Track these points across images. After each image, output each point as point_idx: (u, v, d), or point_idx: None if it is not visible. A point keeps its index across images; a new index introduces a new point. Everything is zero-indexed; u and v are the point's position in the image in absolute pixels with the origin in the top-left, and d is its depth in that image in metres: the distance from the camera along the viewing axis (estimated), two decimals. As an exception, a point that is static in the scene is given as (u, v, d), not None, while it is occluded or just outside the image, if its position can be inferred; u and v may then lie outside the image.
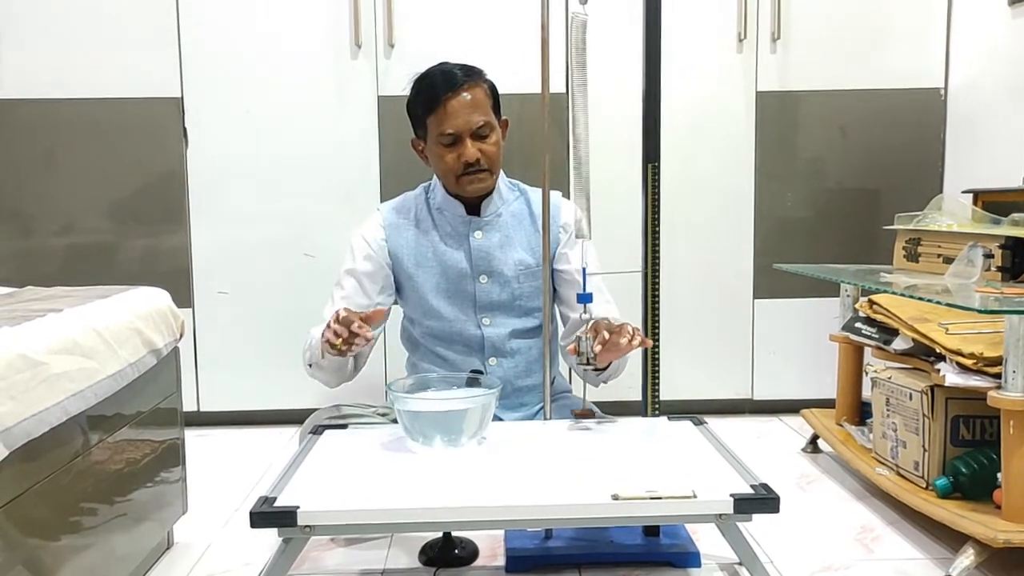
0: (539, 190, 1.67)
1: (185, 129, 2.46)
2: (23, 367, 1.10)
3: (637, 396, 1.63)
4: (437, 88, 1.76)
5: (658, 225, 1.56)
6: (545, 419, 1.63)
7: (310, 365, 1.80)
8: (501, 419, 1.82)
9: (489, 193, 1.85)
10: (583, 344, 1.51)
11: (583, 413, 1.62)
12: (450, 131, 1.75)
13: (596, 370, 1.66)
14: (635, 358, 1.62)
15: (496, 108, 1.83)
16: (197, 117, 2.46)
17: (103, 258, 2.49)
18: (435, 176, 1.88)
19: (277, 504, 1.18)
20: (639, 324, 1.59)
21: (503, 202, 1.87)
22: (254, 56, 2.44)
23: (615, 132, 2.36)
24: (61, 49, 2.42)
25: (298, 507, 1.17)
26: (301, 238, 2.50)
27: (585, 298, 1.53)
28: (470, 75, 1.78)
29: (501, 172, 1.88)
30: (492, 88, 1.83)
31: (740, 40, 2.48)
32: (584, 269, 1.54)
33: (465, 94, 1.76)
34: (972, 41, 2.44)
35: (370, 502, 1.20)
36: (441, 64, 1.80)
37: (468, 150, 1.75)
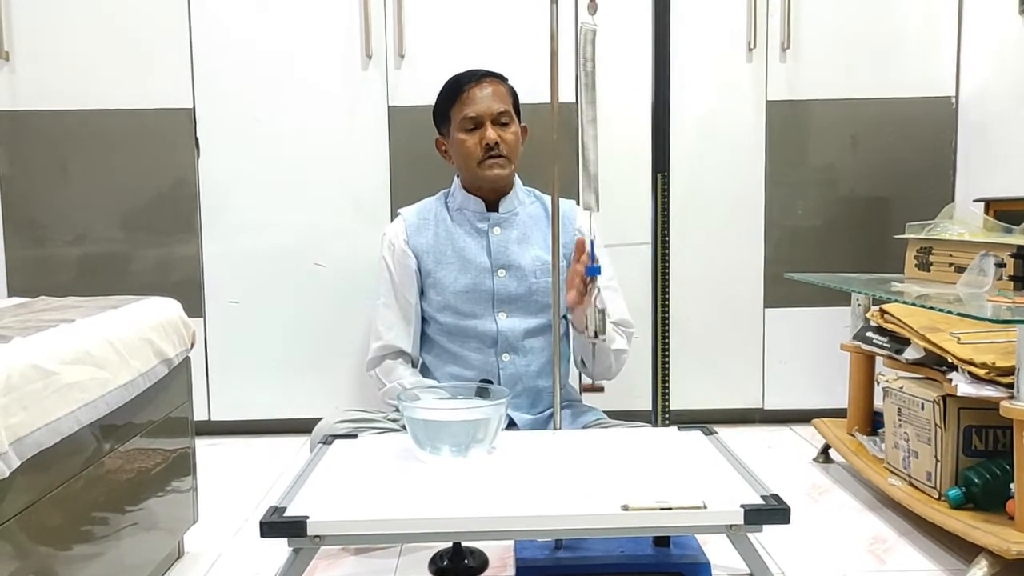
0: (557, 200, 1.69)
1: (197, 140, 2.47)
2: (35, 377, 1.11)
3: (647, 405, 1.63)
4: (461, 80, 1.92)
5: (667, 234, 1.56)
6: (556, 428, 1.63)
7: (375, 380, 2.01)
8: (510, 416, 1.84)
9: (507, 192, 1.91)
10: (591, 317, 1.53)
11: (592, 388, 1.64)
12: (472, 114, 1.88)
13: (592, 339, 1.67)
14: (645, 367, 1.62)
15: (516, 110, 1.95)
16: (209, 128, 2.47)
17: (115, 268, 2.50)
18: (454, 180, 1.96)
19: (287, 514, 1.18)
20: (649, 333, 1.59)
21: (520, 203, 1.96)
22: (265, 67, 2.46)
23: (625, 142, 2.35)
24: (74, 60, 2.44)
25: (308, 517, 1.17)
26: (312, 248, 2.51)
27: (593, 270, 1.54)
28: (492, 74, 1.94)
29: (518, 179, 1.95)
30: (513, 91, 1.97)
31: (750, 49, 2.48)
32: (592, 241, 1.55)
33: (486, 85, 1.91)
34: (983, 49, 2.43)
35: (380, 512, 1.20)
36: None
37: (488, 132, 1.87)
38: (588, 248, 1.55)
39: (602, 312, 1.53)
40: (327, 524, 1.17)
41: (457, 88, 1.90)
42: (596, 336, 1.53)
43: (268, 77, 2.46)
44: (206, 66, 2.45)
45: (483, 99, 1.88)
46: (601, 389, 1.64)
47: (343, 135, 2.48)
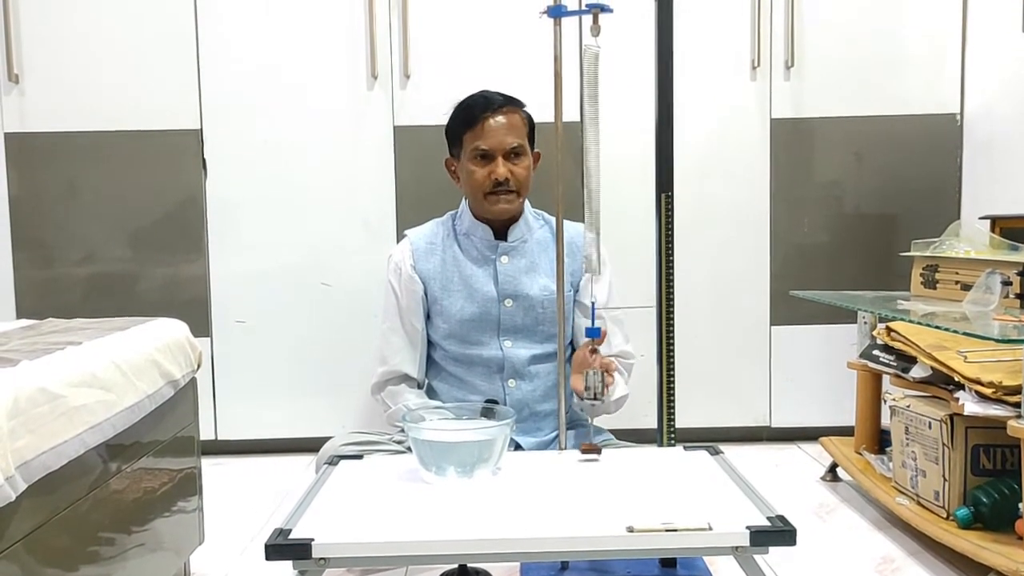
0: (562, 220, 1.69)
1: (204, 160, 2.49)
2: (42, 401, 1.11)
3: (653, 424, 1.63)
4: (477, 107, 1.87)
5: (672, 254, 1.56)
6: (560, 449, 1.62)
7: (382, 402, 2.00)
8: (516, 441, 1.83)
9: (515, 219, 1.89)
10: (591, 379, 1.51)
11: (590, 448, 1.61)
12: (484, 147, 1.84)
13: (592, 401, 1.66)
14: (650, 386, 1.62)
15: (531, 138, 1.92)
16: (216, 148, 2.49)
17: (123, 288, 2.52)
18: (462, 202, 1.96)
19: (292, 536, 1.18)
20: (654, 352, 1.59)
21: (529, 229, 1.93)
22: (272, 88, 2.47)
23: (629, 161, 2.36)
24: (82, 83, 2.46)
25: (313, 539, 1.16)
26: (318, 267, 2.52)
27: (593, 332, 1.53)
28: (510, 101, 1.89)
29: (527, 203, 1.94)
30: (529, 118, 1.92)
31: (754, 68, 2.49)
32: (592, 304, 1.55)
33: (502, 116, 1.86)
34: (987, 66, 2.44)
35: (385, 534, 1.20)
36: (484, 91, 1.91)
37: (499, 168, 1.84)
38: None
39: (601, 375, 1.52)
40: (332, 546, 1.17)
41: (473, 116, 1.86)
42: (595, 398, 1.53)
43: (275, 98, 2.48)
44: (213, 87, 2.47)
45: (497, 132, 1.84)
46: (598, 451, 1.62)
47: (349, 155, 2.49)
